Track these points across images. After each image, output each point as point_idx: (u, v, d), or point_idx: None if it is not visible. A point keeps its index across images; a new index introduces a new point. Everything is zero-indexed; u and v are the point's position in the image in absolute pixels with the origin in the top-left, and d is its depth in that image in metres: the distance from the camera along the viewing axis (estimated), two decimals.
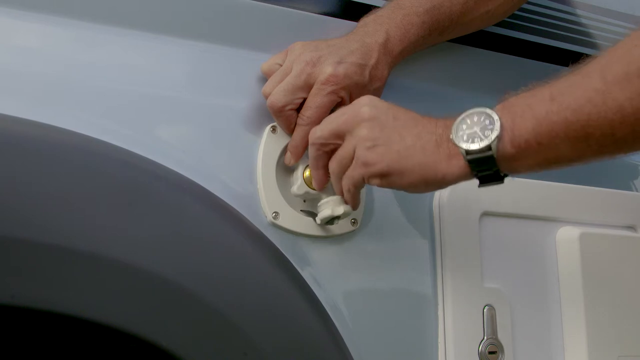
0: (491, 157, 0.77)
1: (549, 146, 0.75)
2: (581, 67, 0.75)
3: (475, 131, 0.77)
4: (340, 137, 0.85)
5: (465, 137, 0.78)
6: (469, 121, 0.78)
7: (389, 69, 0.94)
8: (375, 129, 0.82)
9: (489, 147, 0.76)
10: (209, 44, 0.92)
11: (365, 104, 0.84)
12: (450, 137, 0.79)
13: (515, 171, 0.79)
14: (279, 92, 0.89)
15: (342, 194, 0.88)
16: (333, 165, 0.87)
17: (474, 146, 0.77)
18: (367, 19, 0.96)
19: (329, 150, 0.88)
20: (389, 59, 0.93)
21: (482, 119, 0.77)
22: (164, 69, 0.90)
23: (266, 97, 0.91)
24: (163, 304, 0.74)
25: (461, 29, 1.03)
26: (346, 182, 0.86)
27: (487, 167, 0.78)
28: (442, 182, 0.81)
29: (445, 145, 0.79)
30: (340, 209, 0.88)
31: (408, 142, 0.80)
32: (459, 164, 0.79)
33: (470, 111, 0.79)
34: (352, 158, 0.84)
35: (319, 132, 0.87)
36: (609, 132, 0.72)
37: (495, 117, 0.77)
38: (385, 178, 0.82)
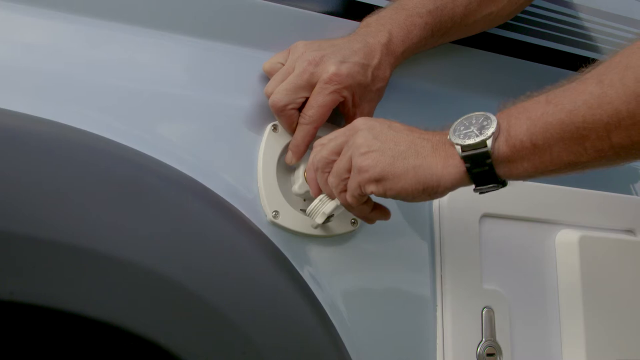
0: (486, 153, 0.77)
1: (543, 148, 0.75)
2: (578, 76, 0.76)
3: (472, 130, 0.78)
4: (339, 153, 0.85)
5: (462, 136, 0.79)
6: (466, 122, 0.80)
7: (391, 69, 0.94)
8: (369, 136, 0.82)
9: (484, 143, 0.77)
10: (211, 42, 0.92)
11: (360, 119, 0.85)
12: (448, 137, 0.80)
13: (513, 175, 0.79)
14: (281, 91, 0.89)
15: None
16: (331, 178, 0.86)
17: (470, 141, 0.77)
18: (370, 19, 0.96)
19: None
20: (391, 59, 0.93)
21: (481, 120, 0.79)
22: (165, 66, 0.89)
23: (268, 96, 0.91)
24: (161, 301, 0.74)
25: (464, 31, 1.03)
26: (347, 196, 0.85)
27: (482, 166, 0.77)
28: (438, 187, 0.80)
29: (441, 149, 0.80)
30: (328, 207, 0.88)
31: (402, 147, 0.81)
32: (455, 164, 0.79)
33: (470, 114, 0.80)
34: (350, 169, 0.83)
35: (320, 155, 0.86)
36: (605, 135, 0.72)
37: (493, 117, 0.78)
38: (381, 183, 0.81)
